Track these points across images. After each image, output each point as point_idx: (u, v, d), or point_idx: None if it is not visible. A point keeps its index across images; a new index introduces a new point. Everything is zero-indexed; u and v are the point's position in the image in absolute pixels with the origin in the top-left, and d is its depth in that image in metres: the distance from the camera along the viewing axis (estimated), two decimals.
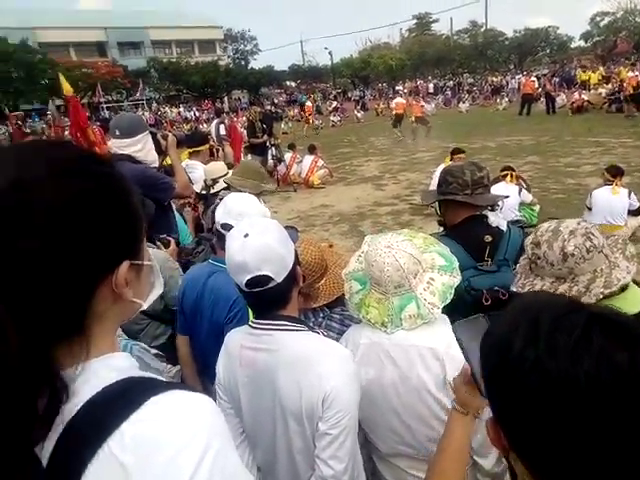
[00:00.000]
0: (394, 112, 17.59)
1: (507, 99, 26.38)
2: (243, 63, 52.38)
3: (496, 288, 1.87)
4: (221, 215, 2.00)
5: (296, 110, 31.56)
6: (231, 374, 1.43)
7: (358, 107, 28.85)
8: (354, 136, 19.37)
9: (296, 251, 1.40)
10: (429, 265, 1.50)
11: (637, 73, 18.86)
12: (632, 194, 5.54)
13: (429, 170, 9.83)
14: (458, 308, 1.49)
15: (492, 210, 2.09)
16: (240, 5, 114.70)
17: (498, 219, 2.07)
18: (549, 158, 10.97)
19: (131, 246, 0.70)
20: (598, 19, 44.39)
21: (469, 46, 50.48)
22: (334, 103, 29.82)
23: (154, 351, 2.04)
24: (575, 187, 8.26)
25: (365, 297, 1.52)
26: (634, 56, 35.37)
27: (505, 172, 6.18)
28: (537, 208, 6.26)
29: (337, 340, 1.74)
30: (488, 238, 1.96)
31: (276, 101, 41.89)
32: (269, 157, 10.47)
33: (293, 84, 53.40)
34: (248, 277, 1.27)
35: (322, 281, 1.86)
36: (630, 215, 5.46)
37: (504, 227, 2.04)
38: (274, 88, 52.52)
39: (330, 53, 49.63)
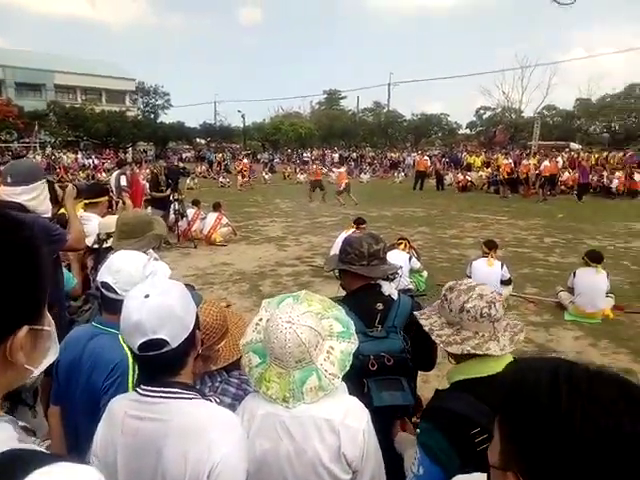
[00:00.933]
0: (312, 178, 18.97)
1: (403, 174, 28.76)
2: (153, 116, 51.64)
3: (382, 354, 1.94)
4: (101, 272, 1.90)
5: (204, 167, 31.53)
6: (110, 444, 1.33)
7: (266, 169, 29.57)
8: (260, 197, 19.67)
9: (197, 315, 1.36)
10: (328, 333, 1.52)
11: (511, 161, 21.51)
12: (504, 266, 6.25)
13: (330, 234, 10.27)
14: (347, 373, 1.55)
15: (389, 280, 2.22)
16: (157, 61, 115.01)
17: (390, 288, 2.18)
18: (437, 229, 12.01)
19: (34, 311, 0.67)
20: (482, 112, 51.08)
21: (373, 123, 55.05)
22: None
23: (22, 423, 1.84)
24: (458, 257, 9.05)
25: (265, 371, 1.49)
26: (509, 146, 40.80)
27: (400, 241, 6.74)
28: (425, 275, 6.79)
29: (231, 404, 1.71)
30: (380, 306, 2.06)
31: (184, 156, 41.57)
32: (171, 212, 10.26)
33: (203, 141, 53.51)
34: (142, 340, 1.22)
35: (222, 343, 1.82)
36: (502, 285, 6.12)
37: (395, 296, 2.15)
38: (183, 143, 52.22)
39: (243, 116, 51.17)
